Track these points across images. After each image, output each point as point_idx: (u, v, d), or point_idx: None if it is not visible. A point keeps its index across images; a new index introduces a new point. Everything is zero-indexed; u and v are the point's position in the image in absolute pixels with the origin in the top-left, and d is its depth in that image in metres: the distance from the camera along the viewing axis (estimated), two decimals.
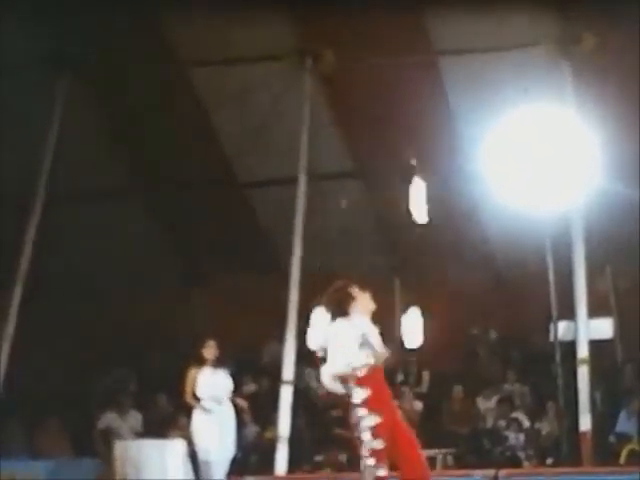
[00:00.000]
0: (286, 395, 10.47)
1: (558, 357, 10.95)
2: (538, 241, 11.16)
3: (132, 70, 12.35)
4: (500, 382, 12.52)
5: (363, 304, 6.03)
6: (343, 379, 5.78)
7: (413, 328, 5.85)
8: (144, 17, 11.75)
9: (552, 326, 11.45)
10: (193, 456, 9.48)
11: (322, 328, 6.00)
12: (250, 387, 12.51)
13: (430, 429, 11.08)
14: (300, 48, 11.76)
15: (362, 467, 5.71)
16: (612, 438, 10.85)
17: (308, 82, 11.73)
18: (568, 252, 10.73)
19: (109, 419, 11.73)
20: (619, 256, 12.77)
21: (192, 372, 9.41)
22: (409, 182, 6.42)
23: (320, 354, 6.00)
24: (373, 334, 5.95)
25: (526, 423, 11.46)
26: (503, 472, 9.17)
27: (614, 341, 13.28)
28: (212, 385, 9.39)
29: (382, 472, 5.66)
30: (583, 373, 10.26)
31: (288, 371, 10.61)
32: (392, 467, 5.84)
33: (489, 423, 11.84)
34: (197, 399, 9.38)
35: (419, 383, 12.72)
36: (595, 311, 11.18)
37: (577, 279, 10.60)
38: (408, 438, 5.88)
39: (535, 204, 10.42)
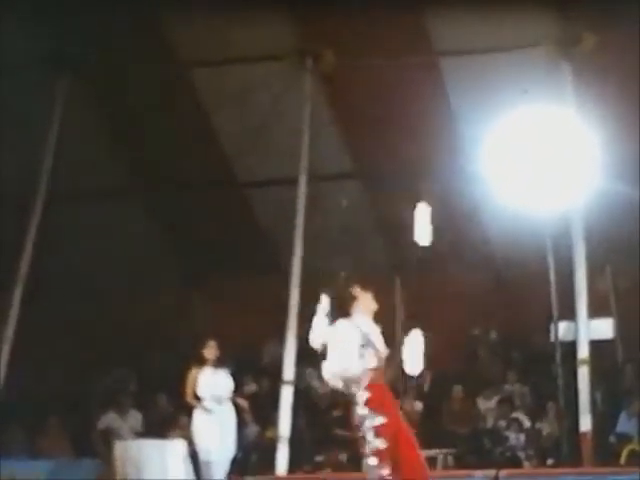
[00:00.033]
0: (287, 395, 10.47)
1: (558, 357, 10.95)
2: (538, 241, 11.16)
3: (132, 70, 12.34)
4: (500, 382, 12.52)
5: (365, 304, 5.99)
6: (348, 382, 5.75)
7: (414, 353, 5.81)
8: (144, 17, 11.75)
9: (552, 326, 11.45)
10: (194, 456, 9.49)
11: (323, 328, 5.99)
12: (251, 387, 12.51)
13: (430, 429, 11.08)
14: (300, 48, 11.75)
15: (365, 466, 5.70)
16: (612, 438, 10.85)
17: (308, 82, 11.73)
18: (568, 252, 10.73)
19: (109, 419, 11.72)
20: (619, 256, 12.77)
21: (193, 372, 9.42)
22: (414, 207, 6.41)
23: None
24: (375, 334, 5.93)
25: (526, 423, 11.46)
26: (503, 472, 9.18)
27: (614, 341, 13.28)
28: (213, 385, 9.40)
29: (385, 471, 5.65)
30: (583, 373, 10.25)
31: (289, 371, 10.61)
32: (392, 467, 5.83)
33: (489, 423, 11.84)
34: (198, 399, 9.39)
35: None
36: (595, 311, 11.18)
37: (577, 279, 10.60)
38: (408, 438, 5.88)
39: (535, 204, 10.42)
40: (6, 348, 11.03)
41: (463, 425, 11.85)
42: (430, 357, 10.42)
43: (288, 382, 10.52)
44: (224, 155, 13.39)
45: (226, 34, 11.65)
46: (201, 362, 9.44)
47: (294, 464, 10.44)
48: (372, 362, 5.81)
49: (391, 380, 6.23)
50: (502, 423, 11.52)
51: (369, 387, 5.75)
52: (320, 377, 5.99)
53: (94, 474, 10.11)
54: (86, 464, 10.35)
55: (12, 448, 11.04)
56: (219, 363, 9.51)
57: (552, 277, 11.03)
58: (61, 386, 13.00)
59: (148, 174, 13.71)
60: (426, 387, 12.35)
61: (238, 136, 12.92)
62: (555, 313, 11.12)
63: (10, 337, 11.10)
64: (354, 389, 5.74)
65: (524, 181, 10.45)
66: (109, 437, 11.06)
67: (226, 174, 13.62)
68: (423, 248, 5.86)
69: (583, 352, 10.38)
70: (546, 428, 11.44)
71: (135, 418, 11.84)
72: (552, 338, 11.58)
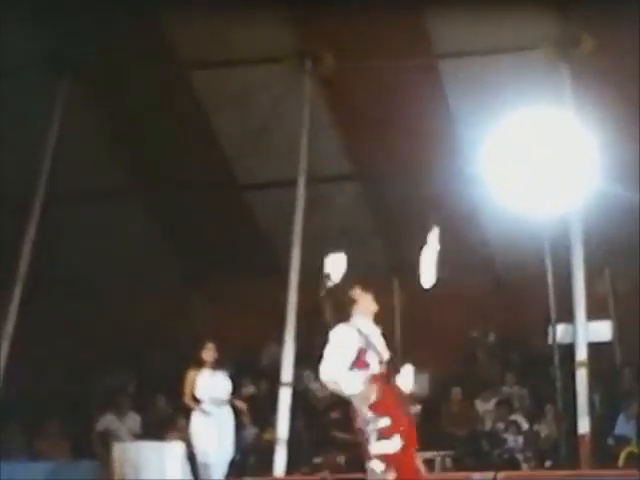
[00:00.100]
0: (285, 397, 10.46)
1: (557, 360, 10.96)
2: (537, 244, 11.17)
3: (132, 71, 12.34)
4: (499, 384, 12.52)
5: (365, 306, 5.89)
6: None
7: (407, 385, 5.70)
8: (144, 18, 11.75)
9: (551, 329, 11.45)
10: (192, 458, 9.49)
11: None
12: (249, 389, 12.51)
13: (428, 431, 11.08)
14: (300, 50, 11.76)
15: (369, 472, 5.61)
16: (611, 441, 10.85)
17: (308, 84, 11.73)
18: (567, 255, 10.73)
19: (107, 421, 11.73)
20: (618, 259, 12.78)
21: (191, 374, 9.42)
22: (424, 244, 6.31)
23: None
24: (375, 336, 5.86)
25: (525, 425, 11.47)
26: (502, 475, 9.19)
27: (613, 344, 13.28)
28: (211, 387, 9.41)
29: (391, 476, 5.59)
30: (582, 376, 10.25)
31: (287, 373, 10.60)
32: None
33: (488, 425, 11.84)
34: (196, 401, 9.39)
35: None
36: (594, 314, 11.17)
37: (576, 282, 10.59)
38: (410, 442, 5.83)
39: (534, 207, 10.40)
40: (5, 347, 11.03)
41: (461, 427, 11.85)
42: (428, 360, 10.44)
43: (286, 384, 10.52)
44: (224, 157, 13.39)
45: (226, 35, 11.65)
46: (199, 364, 9.45)
47: (292, 466, 10.44)
48: (375, 367, 5.73)
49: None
50: (500, 425, 11.52)
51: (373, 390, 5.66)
52: (318, 379, 5.92)
53: (92, 476, 10.10)
54: (84, 466, 10.34)
55: (11, 449, 11.03)
56: (217, 365, 9.52)
57: (550, 279, 11.04)
58: (61, 386, 13.01)
59: (148, 175, 13.71)
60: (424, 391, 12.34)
61: (238, 138, 12.93)
62: (553, 315, 11.13)
63: (9, 336, 11.09)
64: (357, 404, 5.62)
65: (523, 183, 10.43)
66: (107, 439, 11.07)
67: (226, 176, 13.63)
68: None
69: (581, 354, 10.37)
70: (544, 430, 11.45)
71: (133, 420, 11.84)
72: (550, 340, 11.59)
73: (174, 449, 9.63)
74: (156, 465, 9.46)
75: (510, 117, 10.43)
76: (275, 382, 10.88)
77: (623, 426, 10.89)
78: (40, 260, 11.61)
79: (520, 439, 11.20)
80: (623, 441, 10.69)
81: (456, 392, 12.20)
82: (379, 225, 13.86)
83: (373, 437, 5.58)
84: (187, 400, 9.43)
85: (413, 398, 5.90)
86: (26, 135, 11.79)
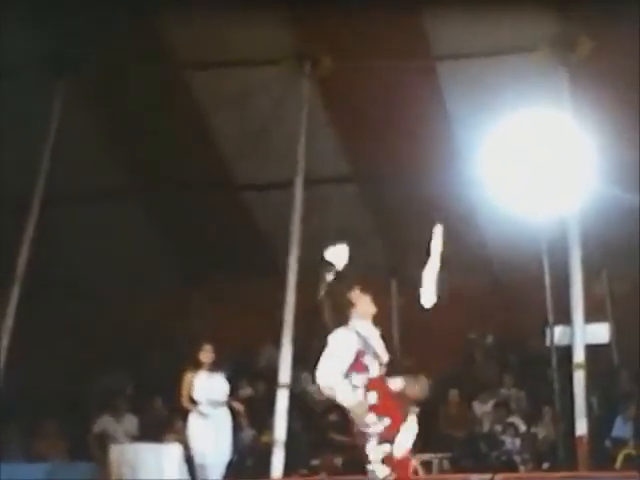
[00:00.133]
0: (282, 399, 10.45)
1: (554, 362, 10.96)
2: (535, 245, 11.17)
3: (131, 71, 12.34)
4: (497, 386, 12.52)
5: (363, 308, 5.87)
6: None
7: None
8: (142, 18, 11.74)
9: (548, 330, 11.45)
10: (189, 460, 9.48)
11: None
12: (246, 391, 12.50)
13: (426, 433, 11.06)
14: (298, 51, 11.75)
15: (370, 474, 5.55)
16: (608, 443, 10.86)
17: (306, 85, 11.73)
18: (565, 256, 10.72)
19: (105, 422, 11.71)
20: (615, 260, 12.79)
21: (188, 376, 9.41)
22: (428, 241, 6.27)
23: None
24: (374, 338, 5.81)
25: (522, 427, 11.47)
26: (499, 476, 9.18)
27: (610, 346, 13.30)
28: (208, 389, 9.40)
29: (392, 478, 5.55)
30: (579, 378, 10.24)
31: (284, 375, 10.59)
32: None
33: (485, 427, 11.84)
34: (193, 403, 9.38)
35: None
36: (591, 316, 11.18)
37: (573, 283, 10.58)
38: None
39: (532, 208, 10.41)
40: (4, 347, 11.01)
41: (459, 429, 11.85)
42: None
43: (284, 386, 10.50)
44: (223, 158, 13.39)
45: (225, 36, 11.63)
46: (197, 365, 9.43)
47: (290, 468, 10.42)
48: (374, 370, 5.70)
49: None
50: (498, 427, 11.52)
51: (373, 392, 5.62)
52: (316, 381, 5.88)
53: (89, 477, 10.10)
54: (81, 467, 10.33)
55: (8, 450, 11.01)
56: (215, 367, 9.50)
57: (548, 281, 11.04)
58: (60, 386, 12.99)
59: (147, 175, 13.70)
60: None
61: (237, 139, 12.92)
62: (551, 317, 11.13)
63: (7, 336, 11.07)
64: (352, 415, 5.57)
65: (521, 185, 10.44)
66: (105, 441, 11.05)
67: (225, 177, 13.63)
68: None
69: (579, 356, 10.36)
70: (542, 432, 11.45)
71: (131, 422, 11.83)
72: (548, 342, 11.58)
73: (171, 451, 9.61)
74: (153, 467, 9.45)
75: (508, 119, 10.43)
76: (273, 384, 10.87)
77: (620, 428, 10.90)
78: (40, 260, 11.60)
79: (518, 441, 11.20)
80: (620, 443, 10.71)
81: (454, 394, 12.20)
82: (377, 226, 13.86)
83: (375, 440, 5.55)
84: (184, 402, 9.42)
85: (412, 400, 5.86)
86: (26, 135, 11.78)
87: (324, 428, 11.41)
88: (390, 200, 13.23)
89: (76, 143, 12.46)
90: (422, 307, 6.16)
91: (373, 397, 5.63)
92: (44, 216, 11.57)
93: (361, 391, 5.61)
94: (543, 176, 10.34)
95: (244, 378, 12.54)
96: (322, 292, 5.93)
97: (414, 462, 5.85)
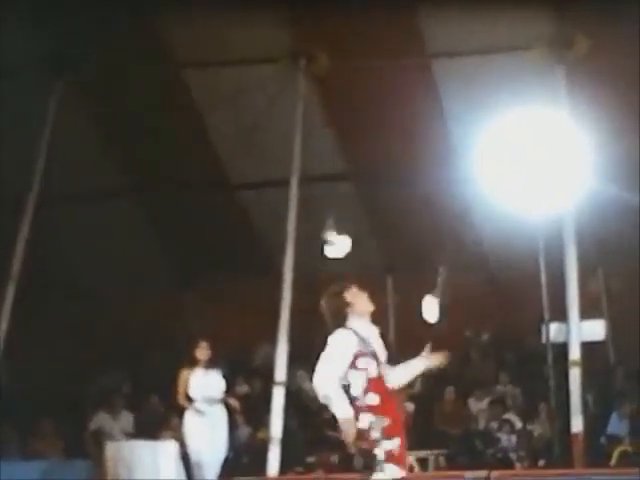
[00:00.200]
0: (278, 396, 10.46)
1: (550, 359, 10.98)
2: (531, 243, 11.19)
3: (130, 71, 12.33)
4: (492, 383, 12.54)
5: (360, 306, 5.73)
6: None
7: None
8: (142, 18, 11.74)
9: (544, 328, 11.47)
10: (185, 457, 9.48)
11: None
12: (242, 388, 12.51)
13: (422, 430, 11.10)
14: (294, 50, 11.75)
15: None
16: (604, 440, 10.88)
17: (302, 84, 11.73)
18: (560, 254, 10.74)
19: (101, 420, 11.71)
20: (611, 258, 12.82)
21: (184, 373, 9.40)
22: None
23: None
24: (374, 337, 5.71)
25: (518, 424, 11.49)
26: (495, 473, 9.19)
27: (606, 343, 13.33)
28: (204, 386, 9.39)
29: (401, 473, 5.52)
30: (575, 375, 10.26)
31: (280, 372, 10.60)
32: None
33: (481, 424, 11.86)
34: (189, 400, 9.37)
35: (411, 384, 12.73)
36: (587, 313, 11.19)
37: (569, 281, 10.59)
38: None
39: (528, 206, 10.42)
40: (2, 347, 11.00)
41: (455, 426, 11.87)
42: None
43: (280, 383, 10.51)
44: (220, 157, 13.40)
45: (221, 35, 11.64)
46: (193, 363, 9.43)
47: (286, 465, 10.43)
48: (372, 371, 5.67)
49: None
50: (494, 424, 11.54)
51: (374, 393, 5.60)
52: (312, 379, 5.87)
53: (86, 475, 10.09)
54: (78, 465, 10.32)
55: (4, 449, 11.01)
56: (211, 364, 9.50)
57: (544, 279, 11.06)
58: (60, 386, 12.99)
59: (142, 174, 13.70)
60: (416, 389, 12.34)
61: (232, 137, 12.92)
62: (547, 315, 11.15)
63: (4, 336, 11.07)
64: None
65: (517, 183, 10.45)
66: (101, 438, 11.05)
67: (221, 176, 13.63)
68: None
69: (575, 354, 10.38)
70: (538, 429, 11.47)
71: (127, 419, 11.83)
72: (544, 340, 11.61)
73: (167, 448, 9.62)
74: (149, 464, 9.45)
75: (504, 117, 10.44)
76: (269, 381, 10.87)
77: (616, 425, 10.93)
78: (40, 260, 11.61)
79: (513, 438, 11.22)
80: (616, 440, 10.74)
81: (449, 391, 12.22)
82: (373, 224, 13.87)
83: (377, 437, 5.52)
84: (180, 399, 9.41)
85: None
86: (26, 135, 11.78)
87: (320, 425, 11.41)
88: (386, 198, 13.24)
89: (76, 143, 12.48)
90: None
91: (372, 399, 5.61)
92: (41, 216, 11.57)
93: (359, 390, 5.59)
94: (539, 174, 10.35)
95: (240, 375, 12.55)
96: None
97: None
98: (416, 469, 9.98)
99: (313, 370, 5.60)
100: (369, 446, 5.44)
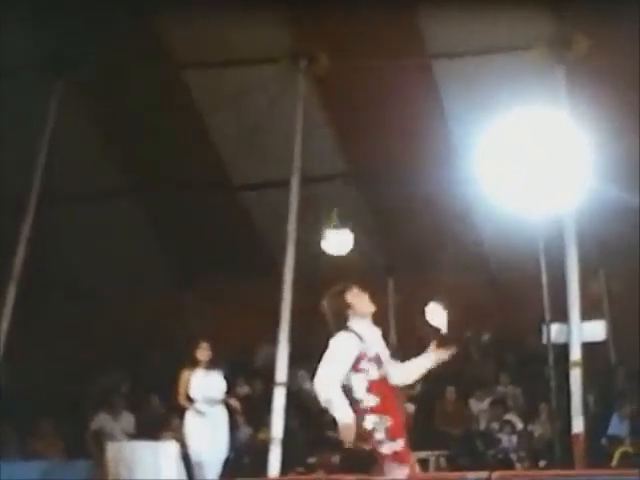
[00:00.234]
0: (279, 397, 10.45)
1: (551, 359, 10.96)
2: (532, 244, 11.17)
3: (130, 71, 12.32)
4: (493, 384, 12.54)
5: (361, 307, 5.74)
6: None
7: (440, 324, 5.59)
8: (142, 18, 11.73)
9: (545, 328, 11.46)
10: (186, 458, 9.48)
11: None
12: (243, 389, 12.52)
13: (423, 431, 11.09)
14: (295, 50, 11.74)
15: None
16: (604, 440, 10.87)
17: (302, 84, 11.72)
18: (561, 255, 10.73)
19: (101, 420, 11.71)
20: (612, 259, 12.81)
21: (185, 374, 9.41)
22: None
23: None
24: (376, 338, 5.70)
25: (519, 425, 11.49)
26: (496, 474, 9.16)
27: (607, 344, 13.32)
28: (205, 387, 9.39)
29: (405, 471, 5.51)
30: (576, 376, 10.25)
31: (281, 373, 10.59)
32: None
33: (482, 425, 11.86)
34: (190, 401, 9.37)
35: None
36: (588, 314, 11.18)
37: (570, 282, 10.58)
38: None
39: (529, 207, 10.41)
40: (2, 347, 10.99)
41: (456, 427, 11.87)
42: None
43: (281, 384, 10.50)
44: (220, 157, 13.39)
45: (221, 36, 11.63)
46: (194, 363, 9.43)
47: (286, 466, 10.41)
48: (374, 373, 5.65)
49: None
50: (495, 425, 11.54)
51: (376, 393, 5.58)
52: (313, 380, 5.85)
53: (86, 475, 10.09)
54: (78, 465, 10.32)
55: (5, 449, 11.01)
56: (212, 365, 9.50)
57: (545, 279, 11.04)
58: (60, 386, 12.98)
59: (143, 175, 13.70)
60: (416, 390, 12.35)
61: (234, 138, 12.91)
62: (548, 315, 11.13)
63: (4, 336, 11.06)
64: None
65: (517, 183, 10.44)
66: (101, 438, 11.05)
67: (222, 176, 13.63)
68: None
69: (576, 354, 10.37)
70: (538, 430, 11.47)
71: (127, 419, 11.83)
72: (545, 340, 11.59)
73: (168, 449, 9.62)
74: (150, 465, 9.45)
75: (504, 117, 10.44)
76: (269, 382, 10.87)
77: (617, 426, 10.92)
78: (40, 260, 11.60)
79: (514, 439, 11.22)
80: (617, 441, 10.73)
81: (450, 391, 12.21)
82: (374, 224, 13.86)
83: (382, 438, 5.51)
84: (181, 400, 9.41)
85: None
86: (26, 135, 11.78)
87: (321, 426, 11.38)
88: (386, 198, 13.23)
89: (76, 143, 12.47)
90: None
91: (374, 400, 5.60)
92: (42, 216, 11.56)
93: (361, 393, 5.58)
94: (540, 174, 10.34)
95: (241, 376, 12.54)
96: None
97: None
98: (417, 470, 9.97)
99: (314, 370, 5.60)
100: (373, 447, 5.45)
